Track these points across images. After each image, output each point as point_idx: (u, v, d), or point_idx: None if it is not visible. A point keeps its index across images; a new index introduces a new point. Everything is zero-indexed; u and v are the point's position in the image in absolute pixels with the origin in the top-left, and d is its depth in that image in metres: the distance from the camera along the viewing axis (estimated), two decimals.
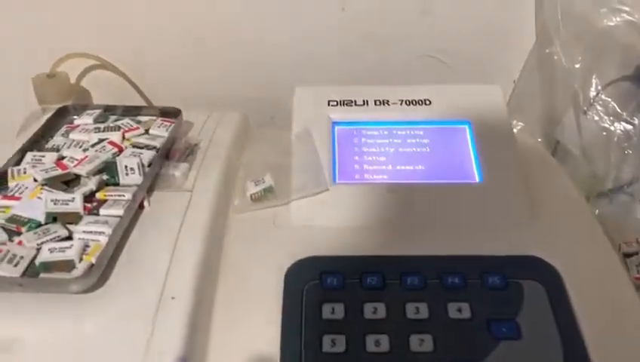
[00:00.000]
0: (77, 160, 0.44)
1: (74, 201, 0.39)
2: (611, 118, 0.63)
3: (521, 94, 0.71)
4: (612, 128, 0.63)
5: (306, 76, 0.69)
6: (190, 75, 0.69)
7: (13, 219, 0.38)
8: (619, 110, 0.63)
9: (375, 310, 0.37)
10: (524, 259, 0.40)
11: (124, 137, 0.47)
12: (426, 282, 0.38)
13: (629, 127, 0.62)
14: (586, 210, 0.46)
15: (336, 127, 0.48)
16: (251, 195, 0.45)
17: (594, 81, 0.64)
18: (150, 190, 0.43)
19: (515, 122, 0.70)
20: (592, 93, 0.64)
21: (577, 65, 0.65)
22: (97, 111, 0.51)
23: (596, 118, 0.64)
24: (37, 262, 0.35)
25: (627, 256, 0.47)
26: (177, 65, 0.69)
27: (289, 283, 0.38)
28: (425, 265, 0.39)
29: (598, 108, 0.64)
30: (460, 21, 0.69)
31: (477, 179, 0.45)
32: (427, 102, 0.49)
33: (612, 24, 0.64)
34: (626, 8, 0.63)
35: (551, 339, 0.35)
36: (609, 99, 0.64)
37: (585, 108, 0.64)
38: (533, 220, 0.43)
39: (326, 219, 0.43)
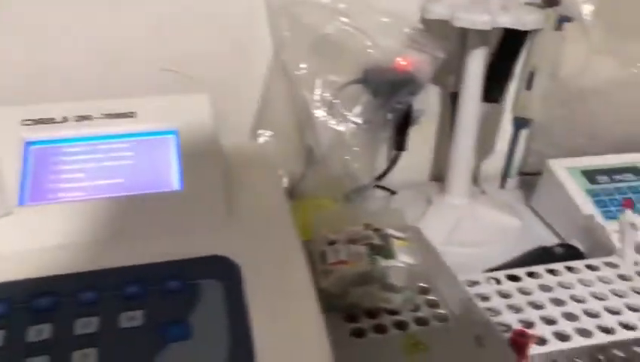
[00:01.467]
0: None
1: None
2: (339, 119, 0.68)
3: (267, 103, 0.74)
4: (341, 129, 0.68)
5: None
6: None
7: None
8: (346, 112, 0.68)
9: (40, 332, 0.35)
10: (208, 259, 0.41)
11: None
12: (102, 296, 0.38)
13: (354, 126, 0.67)
14: (285, 212, 0.47)
15: (30, 148, 0.46)
16: None
17: (325, 85, 0.69)
18: None
19: (262, 131, 0.73)
20: (326, 97, 0.69)
21: (310, 72, 0.69)
22: None
23: (331, 121, 0.69)
24: None
25: (331, 243, 0.50)
26: None
27: None
28: (103, 279, 0.38)
29: (330, 110, 0.68)
30: (202, 33, 0.70)
31: (177, 187, 0.46)
32: (132, 115, 0.49)
33: (338, 33, 0.69)
34: (345, 19, 0.69)
35: (219, 336, 0.36)
36: (338, 102, 0.68)
37: (319, 112, 0.69)
38: (229, 223, 0.44)
39: (9, 244, 0.41)
